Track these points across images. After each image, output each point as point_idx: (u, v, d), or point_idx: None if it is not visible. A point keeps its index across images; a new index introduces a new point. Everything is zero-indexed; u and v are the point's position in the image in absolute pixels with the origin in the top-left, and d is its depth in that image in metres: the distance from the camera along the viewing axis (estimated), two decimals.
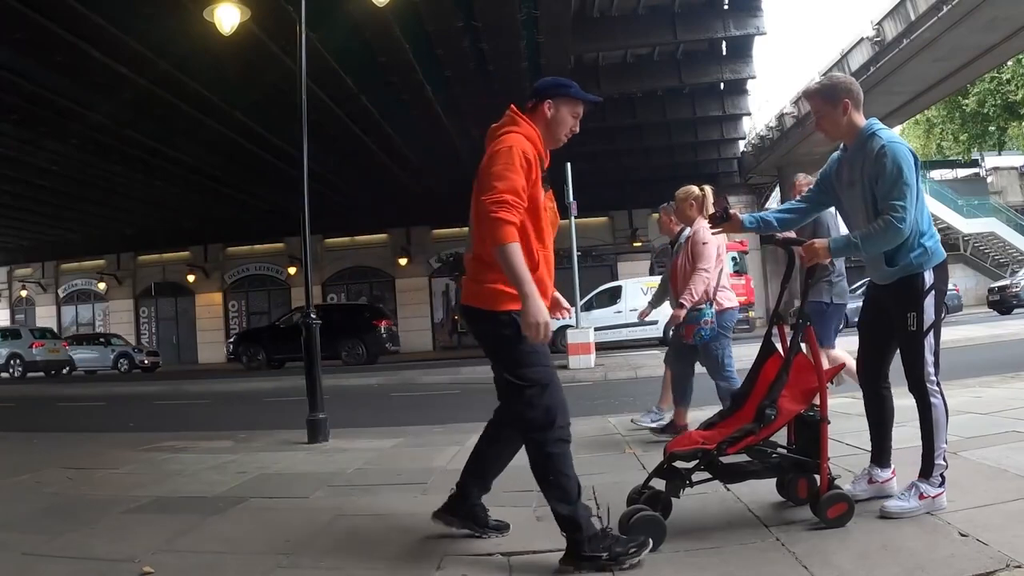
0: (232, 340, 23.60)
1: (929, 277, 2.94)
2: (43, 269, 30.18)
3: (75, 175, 19.43)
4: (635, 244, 26.59)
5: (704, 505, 3.21)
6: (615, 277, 26.32)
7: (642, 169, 24.78)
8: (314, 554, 2.94)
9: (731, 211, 3.19)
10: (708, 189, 4.99)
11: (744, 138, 25.05)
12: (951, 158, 37.70)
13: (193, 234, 27.62)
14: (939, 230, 28.21)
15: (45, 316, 30.00)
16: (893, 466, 3.11)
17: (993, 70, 25.59)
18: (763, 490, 3.09)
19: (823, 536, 2.71)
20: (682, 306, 4.62)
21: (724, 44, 19.05)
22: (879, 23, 15.97)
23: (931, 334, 2.94)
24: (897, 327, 2.99)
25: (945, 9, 13.67)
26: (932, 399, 2.93)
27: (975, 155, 36.53)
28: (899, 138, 2.99)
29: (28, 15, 10.66)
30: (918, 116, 31.73)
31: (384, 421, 7.57)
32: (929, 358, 2.93)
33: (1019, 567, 2.25)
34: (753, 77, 20.14)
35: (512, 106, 2.89)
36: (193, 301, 28.65)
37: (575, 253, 14.32)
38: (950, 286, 20.74)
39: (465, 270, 2.86)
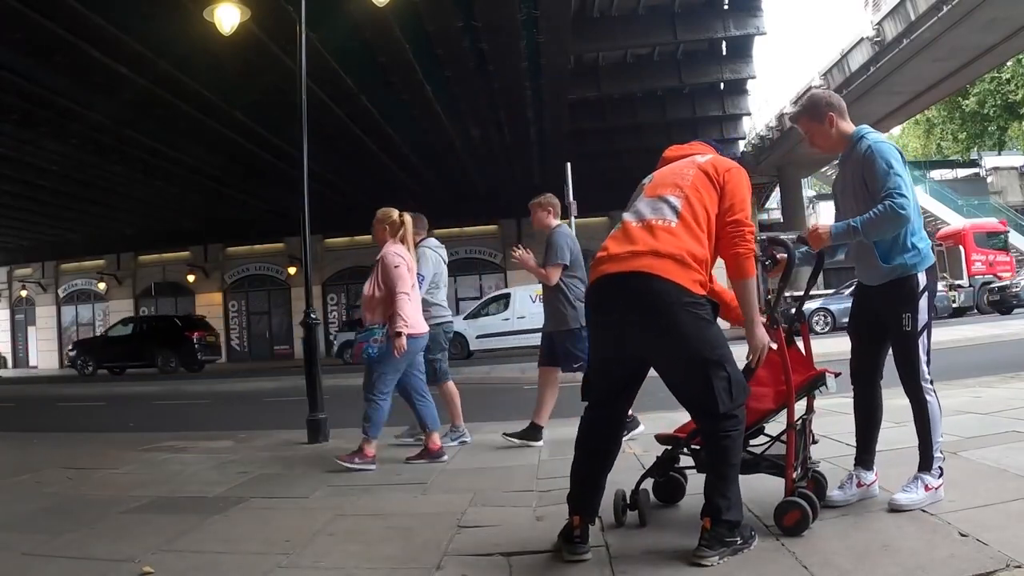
0: (71, 349, 24.09)
1: (923, 279, 2.97)
2: (43, 269, 30.17)
3: (75, 175, 19.41)
4: None
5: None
6: None
7: (642, 169, 24.58)
8: (314, 554, 2.94)
9: (778, 256, 3.15)
10: (408, 218, 5.06)
11: (744, 138, 25.03)
12: (951, 158, 37.71)
13: (193, 234, 27.61)
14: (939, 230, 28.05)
15: (45, 316, 30.01)
16: (876, 468, 3.16)
17: (993, 70, 25.61)
18: (763, 490, 3.09)
19: (823, 536, 2.71)
20: (399, 334, 4.53)
21: (724, 44, 19.02)
22: (879, 23, 15.97)
23: (924, 334, 2.98)
24: (891, 328, 3.01)
25: (945, 9, 13.68)
26: (927, 397, 2.97)
27: (975, 155, 36.54)
28: (885, 139, 3.04)
29: (28, 15, 10.64)
30: (918, 116, 31.76)
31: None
32: (923, 358, 2.97)
33: (1019, 567, 2.25)
34: (753, 77, 20.12)
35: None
36: (193, 301, 28.63)
37: None
38: (940, 287, 20.80)
39: (638, 240, 2.67)
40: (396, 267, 4.65)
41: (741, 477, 2.65)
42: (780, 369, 2.87)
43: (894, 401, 3.18)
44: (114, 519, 3.63)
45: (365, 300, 4.87)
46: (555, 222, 5.40)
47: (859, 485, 3.10)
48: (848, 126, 3.12)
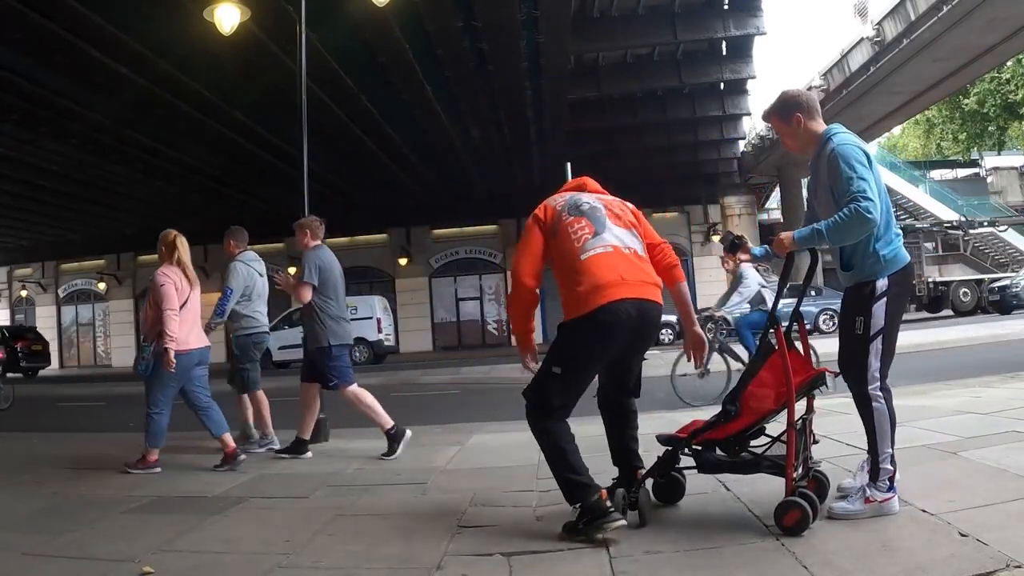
0: None
1: (882, 284, 2.90)
2: (43, 269, 30.17)
3: (75, 175, 19.41)
4: None
5: (704, 505, 3.21)
6: None
7: (642, 169, 24.78)
8: (314, 554, 2.94)
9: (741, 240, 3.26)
10: (182, 240, 5.22)
11: (744, 138, 25.03)
12: (951, 158, 37.71)
13: (193, 234, 27.33)
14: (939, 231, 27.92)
15: (45, 316, 30.01)
16: (896, 486, 3.00)
17: (993, 70, 25.61)
18: (763, 490, 3.09)
19: (823, 536, 2.71)
20: (166, 351, 4.71)
21: (724, 44, 19.04)
22: (879, 23, 15.96)
23: (879, 339, 2.90)
24: (846, 329, 3.00)
25: (945, 9, 13.68)
26: (874, 404, 2.92)
27: (975, 155, 36.55)
28: (852, 139, 2.96)
29: (28, 15, 10.65)
30: (918, 116, 31.77)
31: None
32: (874, 363, 2.91)
33: (1019, 567, 2.25)
34: (753, 77, 20.14)
35: None
36: None
37: None
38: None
39: (642, 270, 3.14)
40: (162, 286, 4.84)
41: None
42: (782, 370, 2.88)
43: (894, 401, 3.17)
44: (114, 519, 3.63)
45: (142, 320, 5.15)
46: (313, 243, 5.55)
47: (867, 501, 2.96)
48: (817, 126, 3.06)
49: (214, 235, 28.67)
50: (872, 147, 30.26)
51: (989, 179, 34.52)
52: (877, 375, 2.92)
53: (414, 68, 13.90)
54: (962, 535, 2.56)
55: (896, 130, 37.97)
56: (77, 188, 20.72)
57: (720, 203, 26.24)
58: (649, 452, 3.29)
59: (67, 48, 11.87)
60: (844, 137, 2.95)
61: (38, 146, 16.76)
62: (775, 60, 67.24)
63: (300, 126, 6.62)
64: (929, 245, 31.18)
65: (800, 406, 2.92)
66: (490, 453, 5.03)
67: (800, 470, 2.92)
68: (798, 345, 3.08)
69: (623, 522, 2.83)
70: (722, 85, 20.75)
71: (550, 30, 13.60)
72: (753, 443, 3.01)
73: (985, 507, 2.84)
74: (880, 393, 2.92)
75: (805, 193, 30.96)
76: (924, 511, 2.84)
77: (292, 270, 26.24)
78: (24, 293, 30.40)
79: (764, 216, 31.79)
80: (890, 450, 2.90)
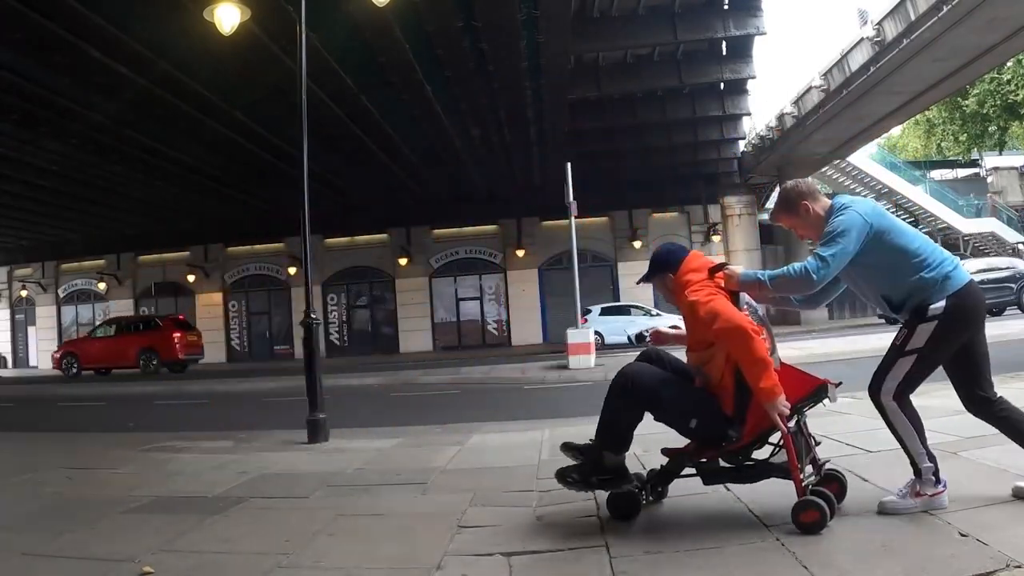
0: None
1: (937, 306, 2.87)
2: (43, 269, 30.16)
3: (75, 175, 19.39)
4: (635, 244, 26.61)
5: (704, 505, 3.22)
6: (615, 278, 26.39)
7: (642, 169, 24.77)
8: (314, 554, 2.94)
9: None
10: None
11: (744, 138, 25.02)
12: (951, 158, 37.69)
13: (193, 234, 27.60)
14: (939, 230, 27.94)
15: (45, 316, 30.01)
16: (944, 479, 2.98)
17: (993, 70, 25.58)
18: (763, 490, 3.09)
19: (823, 536, 2.71)
20: None
21: (724, 44, 19.03)
22: (879, 23, 15.95)
23: (912, 357, 2.90)
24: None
25: (945, 9, 13.66)
26: (886, 408, 2.95)
27: (975, 155, 36.53)
28: (861, 208, 2.98)
29: (28, 15, 10.63)
30: (918, 116, 31.74)
31: (384, 421, 7.58)
32: (898, 376, 2.91)
33: (1019, 567, 2.25)
34: (753, 77, 20.12)
35: None
36: (193, 301, 28.62)
37: (575, 253, 14.33)
38: None
39: None
40: None
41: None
42: (784, 379, 2.91)
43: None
44: (114, 519, 3.63)
45: None
46: None
47: (917, 495, 2.96)
48: (823, 205, 3.11)
49: (214, 235, 28.82)
50: (872, 147, 30.28)
51: (989, 179, 34.47)
52: (894, 387, 2.92)
53: (414, 68, 13.89)
54: (962, 535, 2.56)
55: (896, 130, 37.91)
56: (77, 188, 20.71)
57: (720, 203, 26.23)
58: (648, 452, 3.29)
59: (67, 48, 11.85)
60: (859, 206, 2.98)
61: (38, 146, 16.75)
62: (775, 60, 67.33)
63: (300, 126, 6.62)
64: None
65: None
66: (490, 453, 5.03)
67: (809, 470, 2.95)
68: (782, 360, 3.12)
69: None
70: (722, 85, 20.74)
71: (550, 30, 13.58)
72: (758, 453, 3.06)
73: (985, 507, 2.85)
74: (894, 402, 2.92)
75: None
76: (924, 511, 2.85)
77: (292, 270, 26.31)
78: (24, 293, 30.38)
79: (764, 216, 31.75)
80: (922, 448, 2.91)
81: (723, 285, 3.06)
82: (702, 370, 3.07)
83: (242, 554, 2.99)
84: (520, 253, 26.55)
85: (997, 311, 18.37)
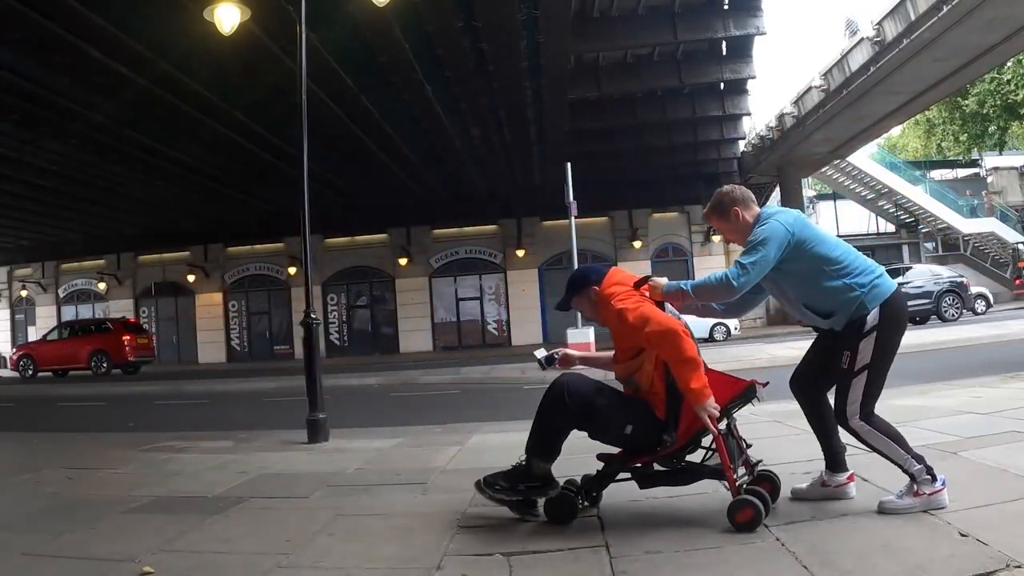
0: None
1: (873, 317, 2.97)
2: (43, 269, 30.16)
3: (75, 175, 19.39)
4: (635, 244, 26.62)
5: (704, 505, 3.22)
6: None
7: (642, 169, 24.77)
8: (314, 554, 2.94)
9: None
10: None
11: (744, 138, 25.02)
12: (951, 158, 37.68)
13: (193, 234, 27.60)
14: (939, 230, 27.96)
15: (45, 316, 29.99)
16: (850, 471, 3.19)
17: (993, 70, 25.58)
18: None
19: (823, 536, 2.71)
20: None
21: (724, 44, 19.01)
22: (879, 23, 15.95)
23: (864, 374, 2.97)
24: (834, 362, 3.07)
25: (945, 9, 13.66)
26: (860, 432, 3.00)
27: (975, 155, 36.52)
28: (783, 219, 3.07)
29: (28, 15, 10.63)
30: (918, 116, 31.71)
31: (384, 421, 7.58)
32: (855, 397, 2.98)
33: (1019, 567, 2.25)
34: (753, 77, 20.10)
35: None
36: (193, 301, 28.64)
37: (575, 253, 14.34)
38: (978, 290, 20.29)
39: None
40: None
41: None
42: (713, 383, 2.98)
43: (893, 401, 3.19)
44: (114, 519, 3.63)
45: None
46: None
47: (823, 484, 3.18)
48: (753, 213, 3.19)
49: (214, 235, 28.86)
50: (872, 147, 30.25)
51: (989, 179, 34.47)
52: (857, 408, 2.98)
53: (414, 68, 13.89)
54: (962, 535, 2.56)
55: (896, 130, 37.89)
56: (77, 188, 20.70)
57: None
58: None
59: (67, 48, 11.85)
60: (783, 216, 3.09)
61: (38, 146, 16.75)
62: (775, 60, 67.34)
63: (300, 126, 6.61)
64: (929, 245, 31.19)
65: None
66: (490, 453, 5.02)
67: (742, 471, 3.03)
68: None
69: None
70: (722, 85, 20.72)
71: (550, 30, 13.58)
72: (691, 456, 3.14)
73: (985, 507, 2.85)
74: (863, 423, 2.98)
75: (806, 192, 31.09)
76: (924, 511, 2.85)
77: (292, 270, 26.32)
78: (24, 293, 30.39)
79: None
80: (906, 454, 2.96)
81: (648, 296, 3.14)
82: (631, 379, 3.14)
83: (242, 554, 2.99)
84: (520, 253, 26.55)
85: (920, 320, 18.34)
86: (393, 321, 27.68)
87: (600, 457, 3.21)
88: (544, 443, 3.16)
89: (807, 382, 3.26)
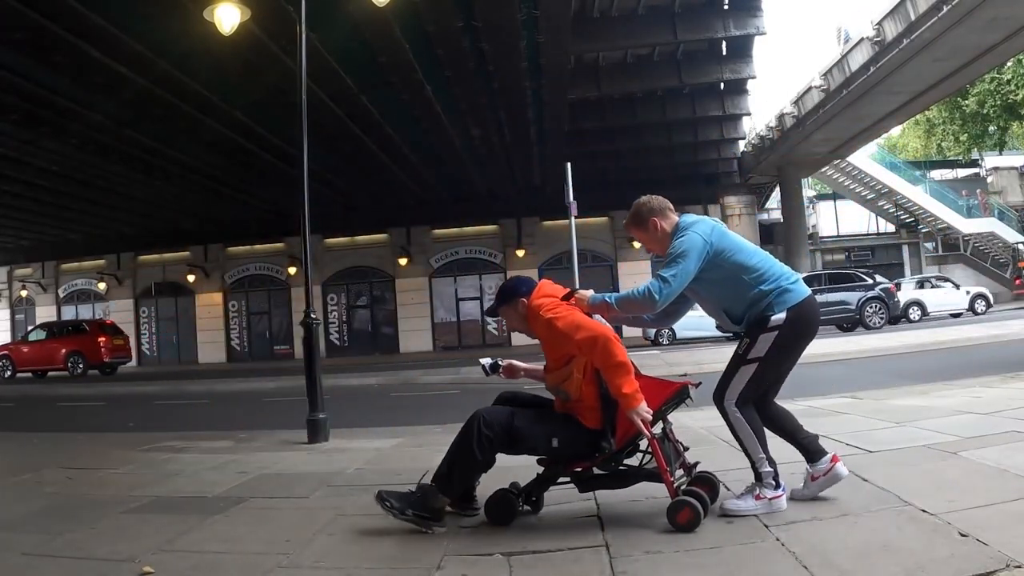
0: None
1: (779, 318, 3.04)
2: (43, 269, 30.16)
3: (75, 175, 19.38)
4: (635, 244, 26.62)
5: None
6: (615, 278, 26.39)
7: (642, 169, 24.76)
8: (314, 554, 2.94)
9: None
10: None
11: (744, 138, 25.02)
12: (951, 158, 37.67)
13: (193, 234, 27.60)
14: (939, 230, 27.93)
15: (45, 316, 29.92)
16: (830, 453, 3.20)
17: (993, 70, 25.58)
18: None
19: (823, 536, 2.71)
20: None
21: (724, 44, 19.01)
22: (879, 23, 15.95)
23: (753, 366, 3.05)
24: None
25: (945, 9, 13.66)
26: (729, 415, 3.08)
27: (975, 155, 36.51)
28: (701, 228, 3.13)
29: (28, 15, 10.63)
30: (918, 116, 31.71)
31: (384, 421, 7.58)
32: (738, 385, 3.06)
33: (1019, 567, 2.25)
34: (753, 77, 20.11)
35: None
36: (193, 301, 28.63)
37: (575, 253, 14.31)
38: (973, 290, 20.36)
39: None
40: None
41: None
42: (644, 388, 3.02)
43: (892, 401, 3.19)
44: (114, 519, 3.63)
45: None
46: None
47: (812, 479, 3.15)
48: (671, 223, 3.24)
49: (214, 235, 28.85)
50: (872, 147, 30.25)
51: (989, 179, 34.45)
52: (736, 394, 3.06)
53: (414, 68, 13.88)
54: (962, 535, 2.56)
55: (896, 130, 37.89)
56: (77, 188, 20.70)
57: (720, 203, 26.21)
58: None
59: (67, 48, 11.85)
60: (700, 227, 3.15)
61: (38, 146, 16.74)
62: (775, 60, 67.33)
63: (300, 126, 6.62)
64: (929, 245, 31.15)
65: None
66: None
67: (680, 473, 3.09)
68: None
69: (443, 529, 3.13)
70: (722, 85, 20.73)
71: (550, 30, 13.58)
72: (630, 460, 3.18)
73: (985, 507, 2.84)
74: (736, 408, 3.06)
75: (806, 192, 31.09)
76: (924, 511, 2.85)
77: (292, 270, 26.32)
78: (24, 293, 30.38)
79: (764, 216, 31.78)
80: (763, 454, 3.04)
81: (577, 306, 3.18)
82: (561, 389, 3.17)
83: (242, 554, 2.99)
84: (520, 253, 26.55)
85: (848, 327, 18.04)
86: (393, 321, 27.67)
87: (540, 462, 3.26)
88: (453, 475, 3.18)
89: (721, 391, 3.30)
